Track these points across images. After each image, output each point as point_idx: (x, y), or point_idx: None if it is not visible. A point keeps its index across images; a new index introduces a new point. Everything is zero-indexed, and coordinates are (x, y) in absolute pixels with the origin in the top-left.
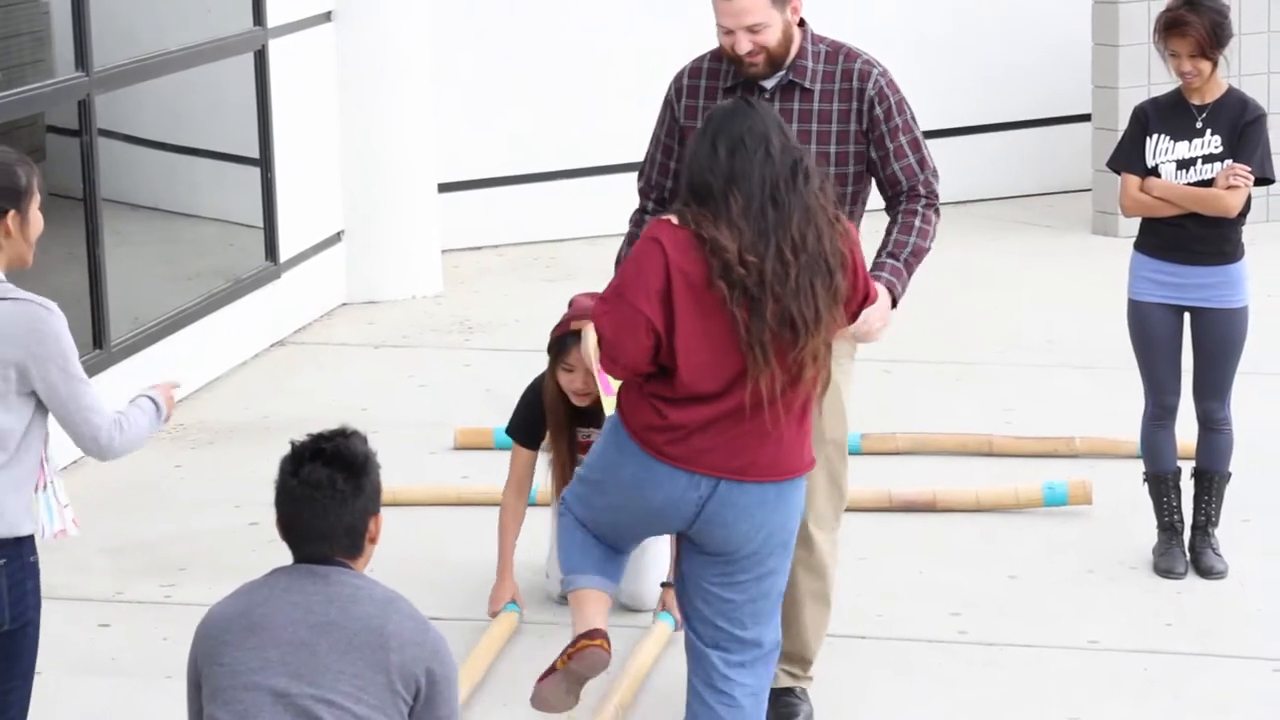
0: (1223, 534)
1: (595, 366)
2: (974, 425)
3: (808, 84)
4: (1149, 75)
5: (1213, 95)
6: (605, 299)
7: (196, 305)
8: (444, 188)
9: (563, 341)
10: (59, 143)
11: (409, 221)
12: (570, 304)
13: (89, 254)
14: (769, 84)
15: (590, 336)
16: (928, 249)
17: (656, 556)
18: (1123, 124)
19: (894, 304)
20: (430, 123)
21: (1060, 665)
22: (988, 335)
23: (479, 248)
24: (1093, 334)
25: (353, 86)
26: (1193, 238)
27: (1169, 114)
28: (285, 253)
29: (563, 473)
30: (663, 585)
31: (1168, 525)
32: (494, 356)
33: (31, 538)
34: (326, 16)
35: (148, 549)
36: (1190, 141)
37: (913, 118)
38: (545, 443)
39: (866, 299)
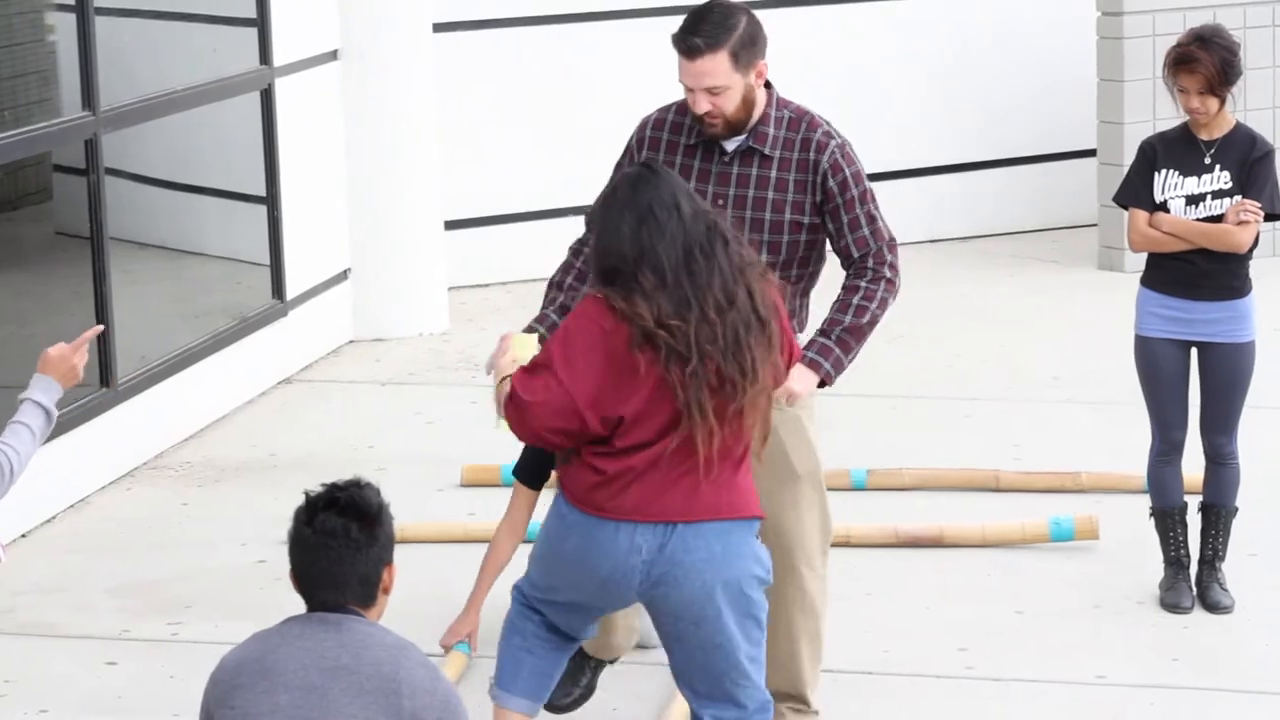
0: (1229, 569)
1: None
2: (981, 461)
3: (768, 150)
4: (1154, 110)
5: (1220, 131)
6: (535, 367)
7: (203, 343)
8: (450, 225)
9: None
10: (66, 182)
11: (415, 259)
12: None
13: (96, 292)
14: (730, 146)
15: (512, 350)
16: (865, 324)
17: None
18: (1128, 159)
19: (822, 383)
20: (436, 160)
21: (1067, 700)
22: (994, 371)
23: (486, 285)
24: (1099, 369)
25: (359, 124)
26: (1201, 273)
27: (1177, 149)
28: (292, 290)
29: None
30: None
31: (1174, 560)
32: None
33: None
34: (333, 55)
35: (154, 587)
36: (1199, 177)
37: (868, 188)
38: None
39: (791, 355)
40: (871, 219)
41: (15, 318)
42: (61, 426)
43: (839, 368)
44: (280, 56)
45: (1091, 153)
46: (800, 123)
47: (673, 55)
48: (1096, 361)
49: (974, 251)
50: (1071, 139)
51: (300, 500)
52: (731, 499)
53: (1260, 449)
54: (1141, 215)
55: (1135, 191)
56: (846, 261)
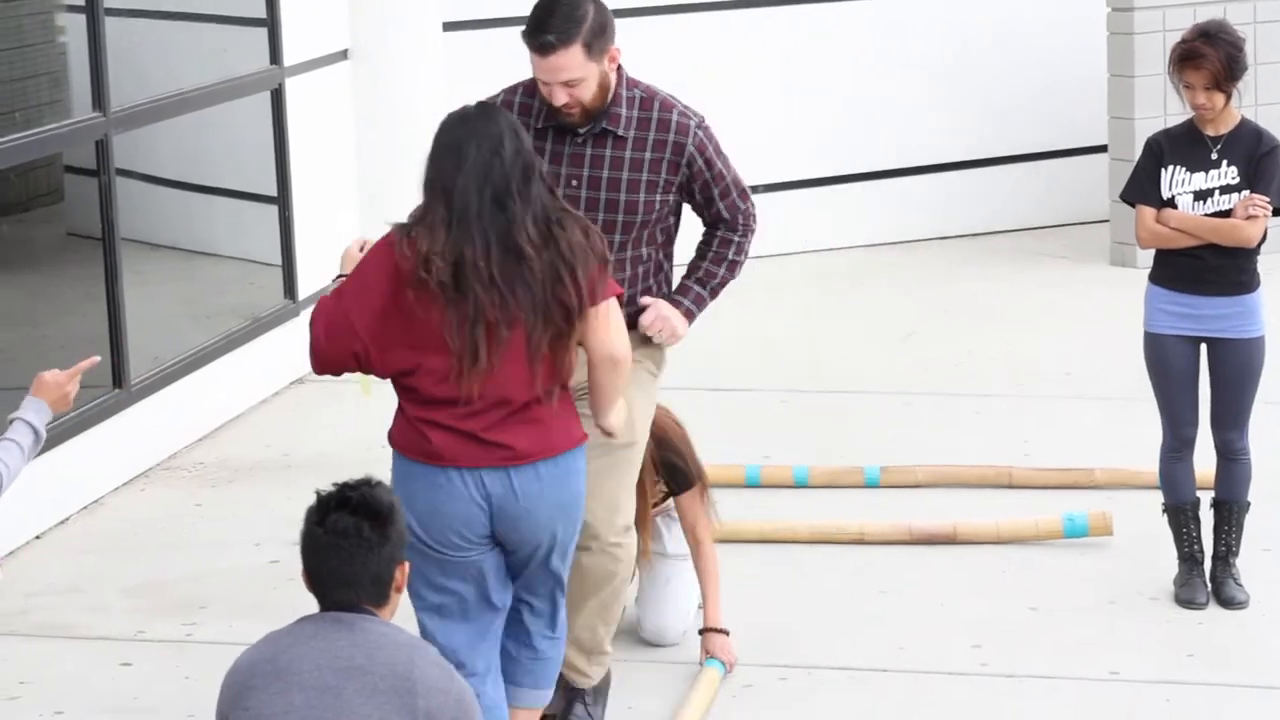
0: (1243, 564)
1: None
2: (994, 457)
3: (621, 131)
4: (1164, 106)
5: (1227, 126)
6: (329, 299)
7: (216, 344)
8: None
9: None
10: (77, 183)
11: None
12: None
13: (108, 294)
14: (582, 129)
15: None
16: (735, 276)
17: (678, 591)
18: (1139, 154)
19: (691, 321)
20: None
21: (1082, 697)
22: (1006, 367)
23: None
24: (1111, 365)
25: (369, 124)
26: (1209, 269)
27: (1183, 145)
28: (304, 290)
29: None
30: (701, 632)
31: (1188, 556)
32: None
33: None
34: (343, 55)
35: (168, 588)
36: (1207, 173)
37: (726, 156)
38: None
39: (595, 296)
40: (737, 183)
41: (27, 319)
42: (75, 427)
43: (703, 308)
44: (290, 56)
45: (1103, 148)
46: (653, 103)
47: (687, 51)
48: (1108, 357)
49: (985, 248)
50: (1082, 135)
51: (310, 502)
52: (556, 439)
53: (1272, 444)
54: (1149, 212)
55: (1142, 188)
56: (716, 220)
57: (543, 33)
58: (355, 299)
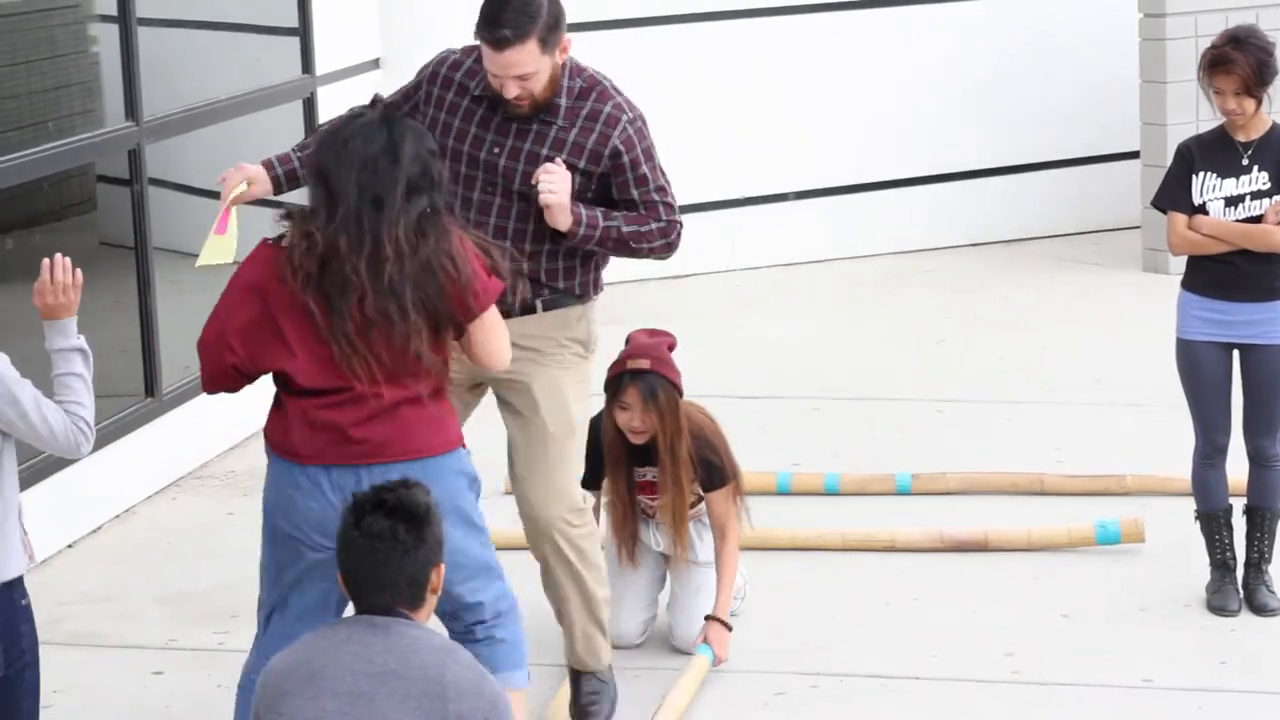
0: (1276, 570)
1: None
2: (1025, 464)
3: (558, 121)
4: (1197, 112)
5: (1257, 132)
6: (207, 323)
7: None
8: None
9: (618, 380)
10: (110, 192)
11: None
12: (627, 341)
13: (140, 303)
14: (528, 119)
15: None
16: (630, 244)
17: (711, 599)
18: (1170, 161)
19: (569, 232)
20: None
21: (1114, 704)
22: (1038, 374)
23: None
24: (1143, 372)
25: None
26: (1241, 274)
27: (1214, 151)
28: None
29: (622, 512)
30: (706, 618)
31: (1220, 563)
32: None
33: (21, 579)
34: (375, 63)
35: (200, 596)
36: (1238, 178)
37: (659, 163)
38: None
39: (478, 302)
40: (662, 192)
41: None
42: (106, 437)
43: (586, 236)
44: (322, 65)
45: (1135, 155)
46: (591, 92)
47: (724, 59)
48: (1140, 364)
49: (1017, 254)
50: (1115, 141)
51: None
52: (426, 442)
53: None
54: (1181, 218)
55: (1173, 195)
56: None
57: (498, 27)
58: (228, 313)
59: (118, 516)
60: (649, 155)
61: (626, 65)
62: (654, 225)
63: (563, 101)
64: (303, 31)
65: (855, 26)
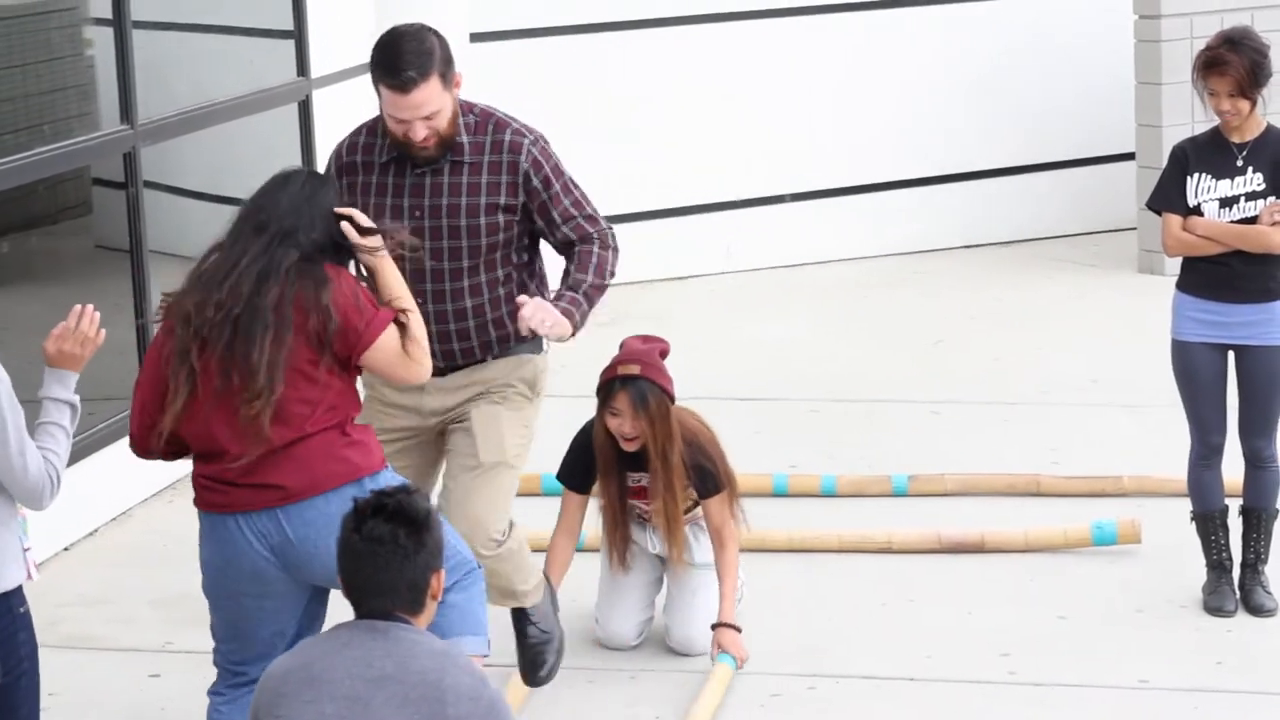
0: (1272, 571)
1: None
2: (1022, 466)
3: (465, 159)
4: (1192, 114)
5: (1252, 133)
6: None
7: None
8: None
9: (609, 386)
10: (105, 195)
11: None
12: (620, 347)
13: (136, 305)
14: (435, 161)
15: None
16: (606, 284)
17: (707, 600)
18: (1165, 163)
19: (574, 333)
20: None
21: (1110, 705)
22: (1034, 375)
23: None
24: (1139, 373)
25: None
26: (1236, 276)
27: (1208, 153)
28: None
29: (613, 517)
30: (713, 627)
31: (1216, 563)
32: (543, 402)
33: (20, 589)
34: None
35: (197, 599)
36: (1232, 180)
37: (570, 177)
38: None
39: (361, 341)
40: (580, 205)
41: None
42: (102, 439)
43: (583, 320)
44: (318, 68)
45: (1130, 156)
46: (487, 124)
47: (722, 61)
48: (1136, 365)
49: (1013, 256)
50: (1110, 143)
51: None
52: (322, 477)
53: None
54: (1175, 220)
55: (1168, 196)
56: (567, 248)
57: (401, 70)
58: (146, 374)
59: (114, 519)
60: (558, 172)
61: (622, 69)
62: (596, 249)
63: (464, 139)
64: (298, 35)
65: (852, 29)
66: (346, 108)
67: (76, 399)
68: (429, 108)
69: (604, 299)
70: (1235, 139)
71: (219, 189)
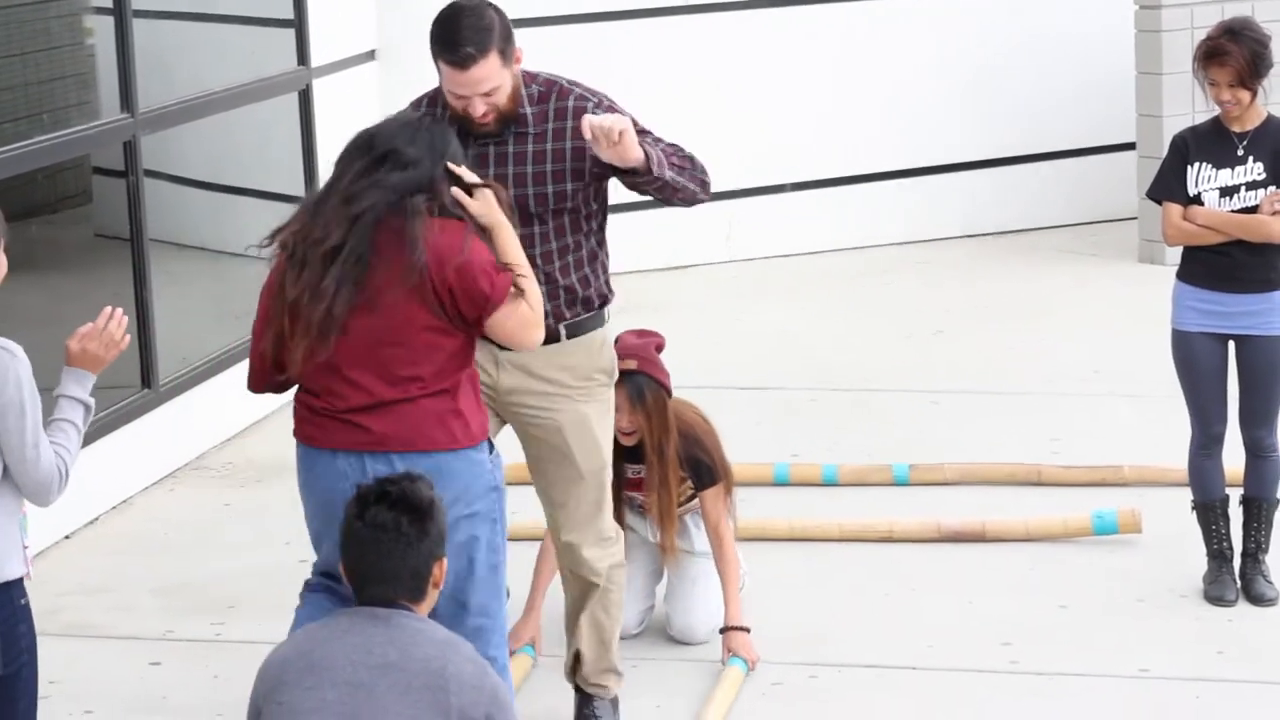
0: (1273, 560)
1: None
2: (1022, 455)
3: (530, 129)
4: (1193, 103)
5: (1252, 123)
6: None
7: (244, 344)
8: None
9: None
10: (105, 184)
11: None
12: (615, 342)
13: (136, 294)
14: (495, 136)
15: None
16: (687, 169)
17: (707, 589)
18: (1166, 152)
19: (646, 169)
20: None
21: (1111, 694)
22: (1035, 365)
23: None
24: (1140, 362)
25: None
26: (1237, 265)
27: (1209, 142)
28: None
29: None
30: (722, 631)
31: (1217, 553)
32: None
33: (21, 580)
34: (370, 55)
35: (198, 587)
36: (1233, 169)
37: (649, 130)
38: None
39: (488, 301)
40: (661, 141)
41: (56, 320)
42: (103, 428)
43: (659, 168)
44: (318, 57)
45: (1131, 146)
46: (551, 94)
47: (723, 50)
48: (1137, 355)
49: (1014, 246)
50: (1111, 132)
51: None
52: (426, 436)
53: None
54: (1176, 209)
55: (1168, 186)
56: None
57: (459, 46)
58: (261, 310)
59: (115, 507)
60: (635, 124)
61: (621, 58)
62: (687, 150)
63: (528, 110)
64: (298, 23)
65: (853, 18)
66: (346, 97)
67: (92, 401)
68: (488, 84)
69: (684, 184)
70: (1236, 129)
71: (219, 178)
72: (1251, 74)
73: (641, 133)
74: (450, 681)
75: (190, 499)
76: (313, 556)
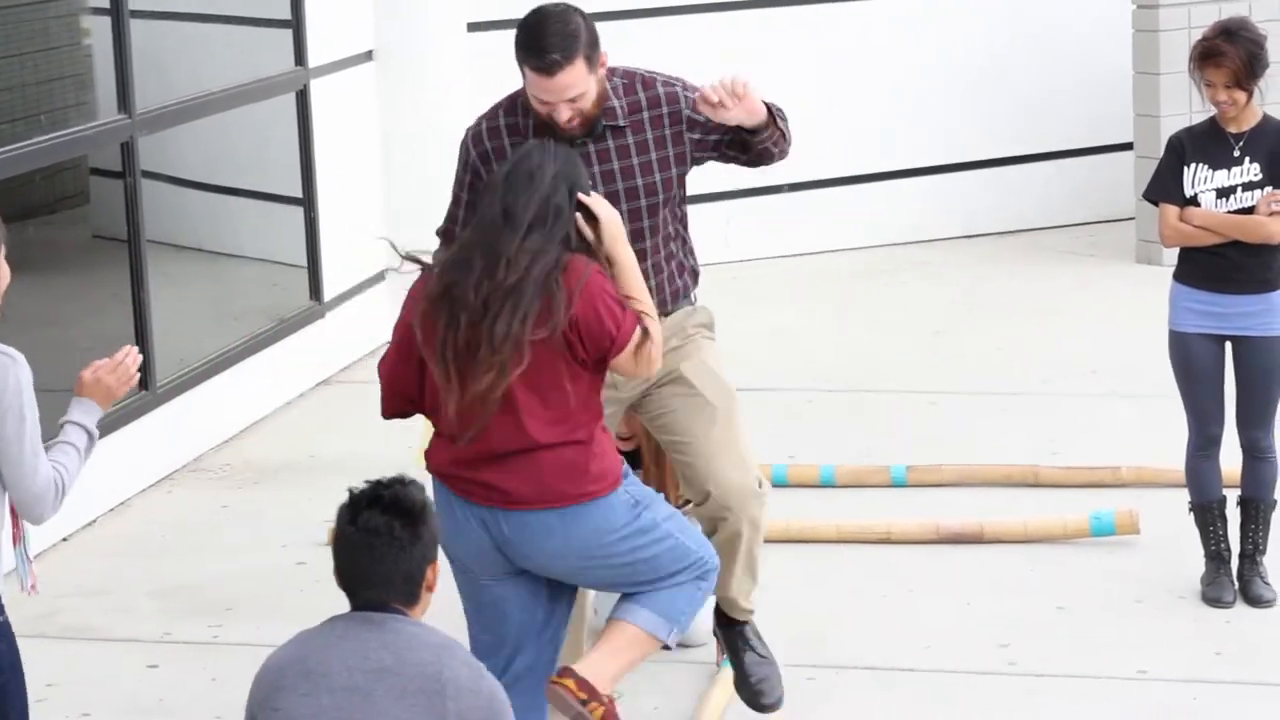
0: (1271, 562)
1: None
2: (1020, 456)
3: (622, 121)
4: (1190, 104)
5: (1249, 123)
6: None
7: (241, 345)
8: None
9: None
10: (103, 185)
11: None
12: None
13: (134, 296)
14: (583, 138)
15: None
16: (786, 129)
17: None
18: (1162, 153)
19: (769, 126)
20: None
21: (1109, 695)
22: (1032, 365)
23: None
24: (1138, 363)
25: (395, 125)
26: (1233, 266)
27: (1205, 143)
28: (329, 292)
29: None
30: (715, 634)
31: (1215, 554)
32: None
33: None
34: (367, 56)
35: (195, 590)
36: (1229, 170)
37: None
38: None
39: (613, 343)
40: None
41: (54, 321)
42: (102, 430)
43: (779, 120)
44: (315, 58)
45: (1128, 146)
46: (635, 86)
47: (722, 48)
48: (1134, 355)
49: (1011, 246)
50: (1108, 133)
51: (341, 500)
52: (555, 490)
53: None
54: (1172, 210)
55: (1165, 187)
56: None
57: (545, 52)
58: (395, 347)
59: (112, 510)
60: None
61: (620, 58)
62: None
63: (617, 104)
64: (295, 24)
65: (851, 17)
66: (344, 97)
67: (96, 432)
68: (573, 90)
69: (788, 130)
70: (1232, 129)
71: (217, 178)
72: (1248, 74)
73: None
74: (447, 685)
75: (188, 501)
76: (309, 557)
